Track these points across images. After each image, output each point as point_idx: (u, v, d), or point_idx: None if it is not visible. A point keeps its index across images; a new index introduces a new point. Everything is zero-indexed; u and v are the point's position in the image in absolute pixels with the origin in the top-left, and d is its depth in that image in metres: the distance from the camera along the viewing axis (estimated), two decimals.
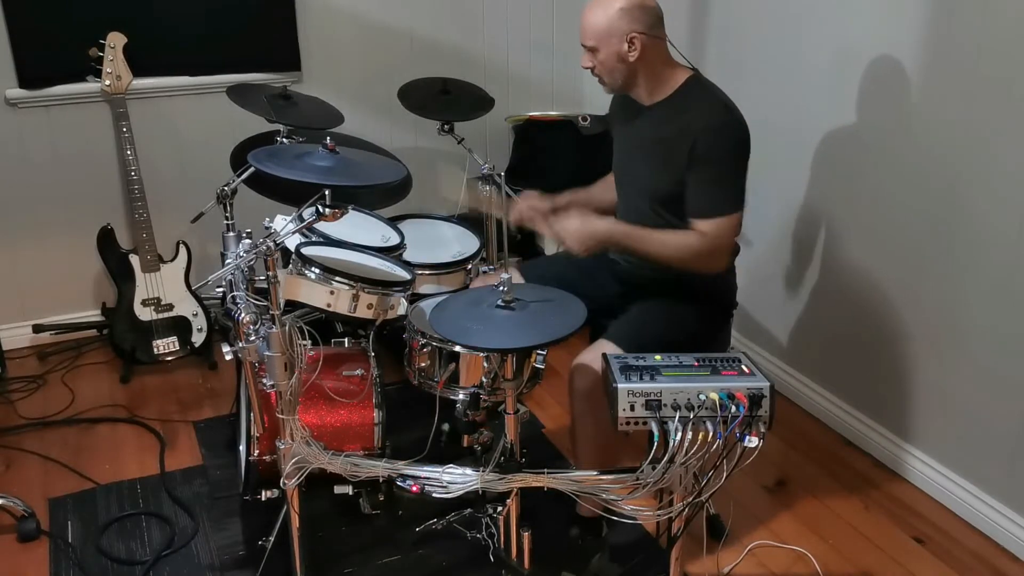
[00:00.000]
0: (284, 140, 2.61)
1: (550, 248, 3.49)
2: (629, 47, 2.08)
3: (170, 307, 3.16)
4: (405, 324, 2.20)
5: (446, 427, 2.29)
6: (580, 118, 3.45)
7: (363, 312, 1.97)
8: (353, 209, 2.28)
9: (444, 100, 2.94)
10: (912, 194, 2.46)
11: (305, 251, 2.00)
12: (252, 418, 2.12)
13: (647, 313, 2.20)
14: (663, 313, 2.19)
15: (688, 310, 2.21)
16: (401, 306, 2.07)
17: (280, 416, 1.84)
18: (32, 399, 3.05)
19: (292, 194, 2.51)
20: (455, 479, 1.85)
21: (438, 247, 2.61)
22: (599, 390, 2.05)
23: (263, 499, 2.20)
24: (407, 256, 2.35)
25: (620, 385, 1.67)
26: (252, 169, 2.39)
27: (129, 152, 3.07)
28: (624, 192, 2.33)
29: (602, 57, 2.12)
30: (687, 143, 2.06)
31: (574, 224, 2.12)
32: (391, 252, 2.28)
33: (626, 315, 2.22)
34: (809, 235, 2.86)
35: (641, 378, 1.69)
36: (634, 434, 1.75)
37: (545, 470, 1.83)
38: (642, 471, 1.72)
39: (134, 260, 3.12)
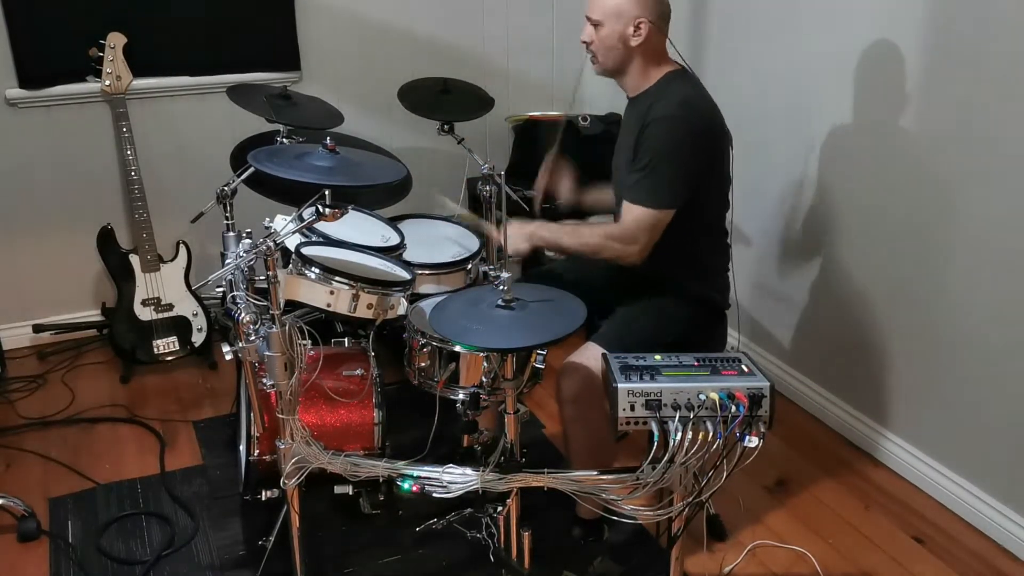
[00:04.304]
0: (284, 140, 2.61)
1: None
2: (634, 32, 2.09)
3: (170, 307, 3.17)
4: (405, 324, 2.20)
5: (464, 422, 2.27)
6: (580, 118, 3.45)
7: (363, 312, 1.97)
8: (353, 209, 2.27)
9: (444, 100, 2.94)
10: (912, 193, 2.46)
11: (305, 251, 2.00)
12: (252, 418, 2.12)
13: (633, 315, 2.21)
14: (649, 315, 2.20)
15: (676, 312, 2.21)
16: (401, 306, 2.07)
17: (280, 416, 1.84)
18: (32, 399, 3.05)
19: (292, 194, 2.51)
20: (455, 479, 1.85)
21: (438, 247, 2.61)
22: (586, 394, 2.05)
23: (263, 499, 2.20)
24: (407, 256, 2.35)
25: (620, 385, 1.67)
26: (252, 169, 2.39)
27: (129, 152, 3.07)
28: (615, 189, 2.34)
29: (603, 34, 2.12)
30: (640, 134, 2.09)
31: (514, 227, 2.24)
32: (391, 252, 2.28)
33: (614, 317, 2.22)
34: (809, 234, 2.86)
35: (641, 378, 1.69)
36: (633, 435, 1.75)
37: (545, 470, 1.83)
38: (642, 471, 1.72)
39: (134, 260, 3.13)
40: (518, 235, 2.23)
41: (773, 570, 2.27)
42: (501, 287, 1.80)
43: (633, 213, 2.09)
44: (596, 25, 2.12)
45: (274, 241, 1.76)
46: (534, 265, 3.50)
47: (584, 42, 2.18)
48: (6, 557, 2.30)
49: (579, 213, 2.60)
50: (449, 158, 3.26)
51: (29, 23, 3.05)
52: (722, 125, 2.15)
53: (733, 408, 1.66)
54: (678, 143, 2.06)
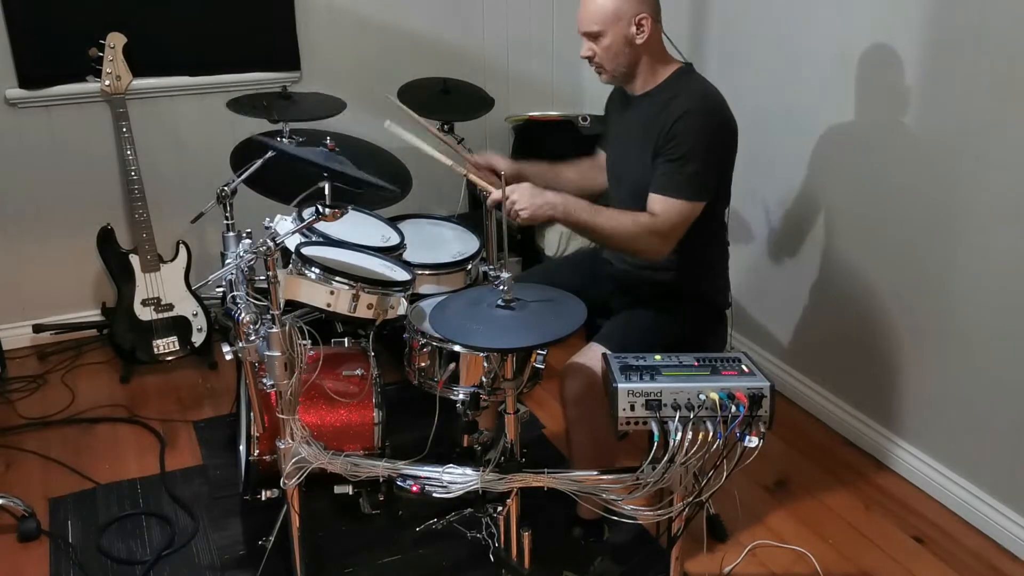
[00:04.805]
0: (284, 140, 2.61)
1: (550, 248, 3.49)
2: (638, 29, 2.08)
3: (170, 307, 3.17)
4: (405, 324, 2.20)
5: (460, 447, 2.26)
6: (580, 118, 3.45)
7: (363, 312, 1.97)
8: (353, 209, 2.28)
9: (444, 100, 2.94)
10: (912, 193, 2.46)
11: (305, 251, 2.00)
12: (252, 418, 2.12)
13: (634, 315, 2.21)
14: (650, 315, 2.19)
15: (676, 312, 2.21)
16: (401, 306, 2.07)
17: (280, 416, 1.84)
18: (32, 399, 3.05)
19: (292, 194, 2.52)
20: (455, 479, 1.85)
21: (438, 247, 2.61)
22: (590, 395, 2.05)
23: (263, 499, 2.20)
24: (407, 256, 2.35)
25: (620, 385, 1.67)
26: (252, 168, 2.39)
27: (129, 152, 3.07)
28: (615, 186, 2.33)
29: (607, 42, 2.09)
30: (665, 128, 2.07)
31: (525, 187, 2.10)
32: (391, 252, 2.28)
33: (615, 317, 2.22)
34: (809, 234, 2.86)
35: (641, 378, 1.69)
36: (633, 435, 1.74)
37: (545, 470, 1.83)
38: (642, 471, 1.72)
39: (134, 260, 3.13)
40: (534, 201, 2.08)
41: (773, 570, 2.27)
42: (501, 287, 1.80)
43: (670, 206, 2.05)
44: (596, 37, 2.10)
45: (274, 241, 1.76)
46: (532, 255, 3.51)
47: (586, 57, 2.16)
48: (6, 557, 2.30)
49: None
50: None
51: (29, 23, 3.05)
52: (734, 120, 2.15)
53: (733, 408, 1.66)
54: (710, 136, 2.06)
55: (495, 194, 2.16)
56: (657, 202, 2.07)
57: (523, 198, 2.08)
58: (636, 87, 2.19)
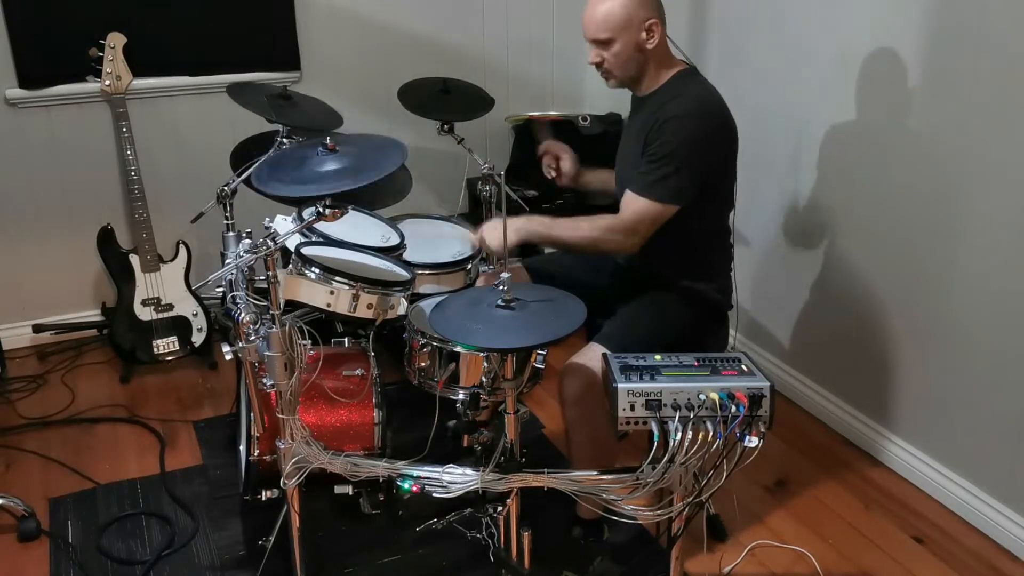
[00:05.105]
0: (284, 140, 2.60)
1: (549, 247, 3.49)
2: (648, 35, 2.08)
3: (170, 307, 3.17)
4: (405, 324, 2.20)
5: (452, 424, 2.28)
6: (580, 118, 3.45)
7: (363, 312, 1.97)
8: (353, 209, 2.28)
9: (444, 100, 2.94)
10: (912, 194, 2.46)
11: (305, 251, 2.00)
12: (252, 418, 2.12)
13: (635, 315, 2.21)
14: (650, 315, 2.20)
15: (677, 312, 2.21)
16: (401, 306, 2.07)
17: (280, 416, 1.84)
18: (32, 399, 3.05)
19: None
20: (455, 479, 1.85)
21: (438, 247, 2.61)
22: (589, 395, 2.05)
23: (263, 499, 2.20)
24: (407, 256, 2.35)
25: (620, 385, 1.67)
26: (252, 168, 2.39)
27: (129, 152, 3.07)
28: (617, 184, 2.33)
29: (617, 49, 2.09)
30: (654, 129, 2.08)
31: (491, 223, 2.26)
32: (391, 252, 2.28)
33: (615, 317, 2.22)
34: (809, 234, 2.86)
35: (641, 378, 1.69)
36: (633, 435, 1.74)
37: (545, 470, 1.83)
38: (642, 471, 1.72)
39: (134, 260, 3.13)
40: (492, 228, 2.21)
41: (773, 570, 2.27)
42: (501, 287, 1.80)
43: (636, 204, 2.08)
44: (606, 43, 2.10)
45: (274, 241, 1.76)
46: (533, 254, 3.51)
47: (593, 63, 2.16)
48: (6, 557, 2.30)
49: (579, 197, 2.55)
50: (449, 158, 3.26)
51: (29, 23, 3.05)
52: (733, 124, 2.15)
53: (733, 408, 1.66)
54: (692, 141, 2.06)
55: (473, 237, 2.38)
56: (626, 199, 2.11)
57: (488, 231, 2.24)
58: (641, 90, 2.20)
